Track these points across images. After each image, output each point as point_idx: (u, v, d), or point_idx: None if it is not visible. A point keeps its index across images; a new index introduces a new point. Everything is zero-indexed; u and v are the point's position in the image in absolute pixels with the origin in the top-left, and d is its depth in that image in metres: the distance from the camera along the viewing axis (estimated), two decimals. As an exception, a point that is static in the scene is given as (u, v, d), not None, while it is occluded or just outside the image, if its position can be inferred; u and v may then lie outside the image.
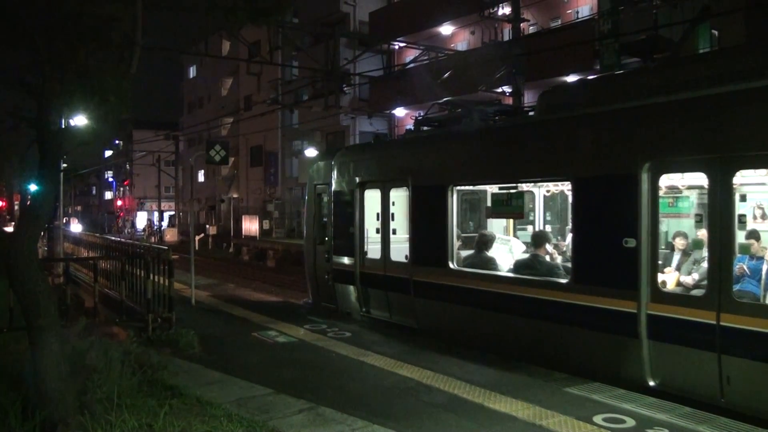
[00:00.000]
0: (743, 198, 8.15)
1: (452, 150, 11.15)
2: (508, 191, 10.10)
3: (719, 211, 7.15)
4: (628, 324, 7.74)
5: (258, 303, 14.73)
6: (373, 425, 6.41)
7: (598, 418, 6.58)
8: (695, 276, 8.35)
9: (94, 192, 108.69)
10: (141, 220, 76.55)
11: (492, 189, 10.97)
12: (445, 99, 14.43)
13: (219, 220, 57.95)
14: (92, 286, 13.01)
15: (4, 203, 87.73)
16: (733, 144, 7.02)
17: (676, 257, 8.92)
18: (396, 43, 29.92)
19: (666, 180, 8.19)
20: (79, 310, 15.40)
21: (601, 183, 8.37)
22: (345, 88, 22.22)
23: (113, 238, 23.17)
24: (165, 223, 65.22)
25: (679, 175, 8.36)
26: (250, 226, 47.40)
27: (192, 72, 70.00)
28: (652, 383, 7.64)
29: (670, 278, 8.56)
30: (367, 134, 34.89)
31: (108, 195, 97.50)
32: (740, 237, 7.68)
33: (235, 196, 56.96)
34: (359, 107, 34.22)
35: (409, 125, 16.28)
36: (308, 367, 8.97)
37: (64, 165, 24.38)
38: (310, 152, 30.32)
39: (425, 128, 12.83)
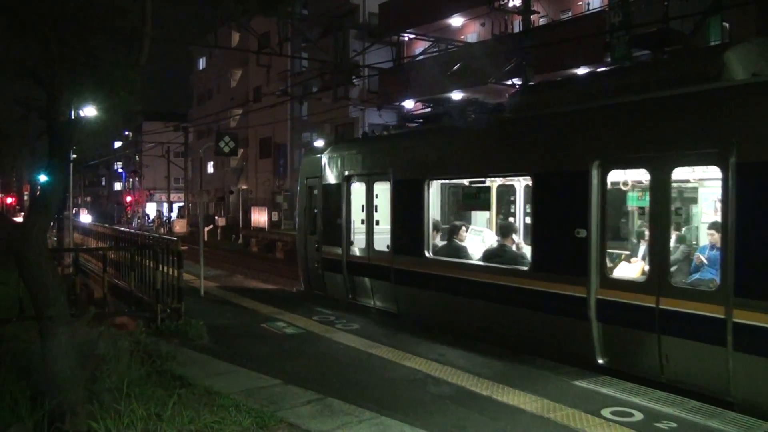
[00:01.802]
0: (680, 192, 9.09)
1: (428, 146, 11.87)
2: (477, 186, 10.95)
3: (657, 204, 7.86)
4: (576, 307, 8.45)
5: (266, 294, 14.76)
6: (380, 417, 6.42)
7: (606, 412, 6.57)
8: (645, 264, 8.65)
9: (103, 183, 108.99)
10: (150, 211, 76.75)
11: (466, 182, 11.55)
12: (427, 97, 14.92)
13: (228, 211, 58.05)
14: (101, 276, 13.06)
15: (13, 199, 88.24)
16: (671, 143, 7.69)
17: (642, 247, 9.14)
18: (406, 34, 29.85)
19: (614, 176, 8.74)
20: (88, 301, 15.47)
21: (556, 178, 9.13)
22: (354, 80, 22.15)
23: (122, 228, 23.26)
24: (174, 215, 65.40)
25: (623, 171, 8.93)
26: (259, 217, 47.49)
27: (201, 63, 70.08)
28: (600, 361, 8.31)
29: (636, 267, 8.95)
30: (377, 126, 34.83)
31: (117, 186, 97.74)
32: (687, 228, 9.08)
33: (244, 187, 57.04)
34: (368, 99, 34.16)
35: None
36: (316, 358, 8.99)
37: (74, 156, 24.46)
38: (320, 144, 30.32)
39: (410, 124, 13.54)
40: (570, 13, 27.39)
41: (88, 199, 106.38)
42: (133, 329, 9.92)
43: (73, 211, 30.83)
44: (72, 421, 5.78)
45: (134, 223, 65.64)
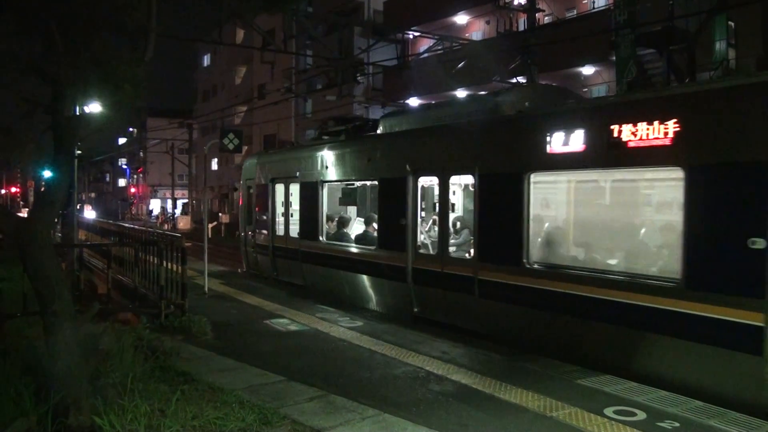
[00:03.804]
0: (454, 192, 12.76)
1: (321, 157, 14.91)
2: (350, 187, 14.64)
3: (442, 202, 11.36)
4: (401, 274, 11.79)
5: (269, 291, 14.77)
6: (383, 414, 6.43)
7: (609, 411, 6.57)
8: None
9: (107, 179, 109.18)
10: (154, 207, 76.83)
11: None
12: (329, 117, 18.66)
13: (232, 208, 58.08)
14: (105, 272, 13.09)
15: (18, 189, 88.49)
16: (449, 159, 11.09)
17: (436, 229, 12.04)
18: (410, 32, 29.79)
19: (422, 181, 11.94)
20: (92, 296, 15.51)
21: (390, 182, 12.40)
22: (358, 78, 22.14)
23: (127, 224, 23.28)
24: (178, 211, 65.47)
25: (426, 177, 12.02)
26: (263, 214, 47.37)
27: (206, 60, 70.11)
28: (416, 310, 11.61)
29: (431, 244, 12.29)
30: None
31: (122, 182, 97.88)
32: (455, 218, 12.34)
33: (248, 184, 56.90)
34: (373, 96, 34.15)
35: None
36: (319, 355, 9.01)
37: (79, 152, 24.48)
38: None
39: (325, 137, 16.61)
40: (575, 12, 27.35)
41: (93, 195, 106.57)
42: (137, 325, 9.96)
43: (78, 207, 30.81)
44: (76, 416, 5.81)
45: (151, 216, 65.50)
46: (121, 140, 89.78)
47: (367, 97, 33.98)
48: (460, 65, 23.52)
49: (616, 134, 8.07)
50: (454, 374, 7.90)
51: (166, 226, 54.76)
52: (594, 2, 27.14)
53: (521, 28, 25.99)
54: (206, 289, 14.22)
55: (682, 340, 7.38)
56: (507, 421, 6.37)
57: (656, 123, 7.58)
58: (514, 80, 22.75)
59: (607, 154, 8.29)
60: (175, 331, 10.15)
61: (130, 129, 79.22)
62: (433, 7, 31.11)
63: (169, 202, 68.98)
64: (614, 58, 18.93)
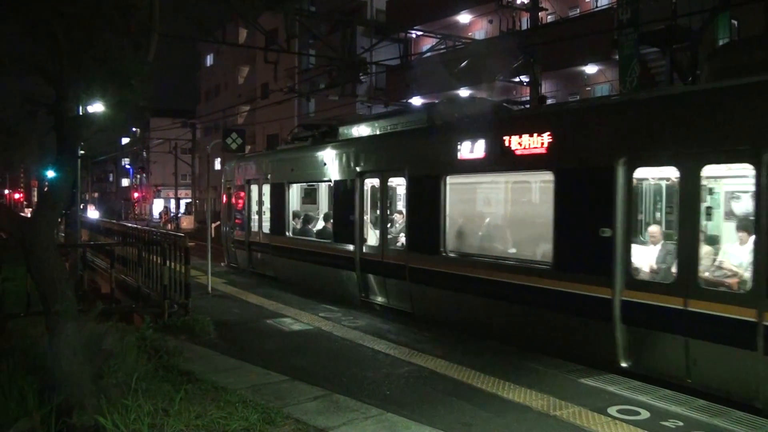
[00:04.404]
0: (394, 190, 13.75)
1: (288, 161, 17.10)
2: (311, 187, 17.35)
3: (382, 200, 13.08)
4: (351, 264, 13.49)
5: (273, 291, 14.77)
6: (387, 413, 6.43)
7: (612, 410, 6.57)
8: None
9: (110, 179, 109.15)
10: (157, 207, 76.86)
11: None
12: (300, 123, 21.02)
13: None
14: (109, 272, 13.09)
15: (21, 195, 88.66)
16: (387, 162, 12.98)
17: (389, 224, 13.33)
18: (413, 32, 29.74)
19: (367, 182, 13.65)
20: (95, 296, 15.52)
21: (343, 183, 14.19)
22: (361, 77, 22.13)
23: (130, 224, 23.29)
24: (182, 211, 65.45)
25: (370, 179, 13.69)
26: (266, 214, 47.35)
27: (209, 60, 70.06)
28: (363, 296, 13.22)
29: (375, 235, 13.52)
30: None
31: (125, 182, 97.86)
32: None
33: (251, 184, 56.88)
34: (376, 96, 34.11)
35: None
36: (322, 354, 9.01)
37: (82, 152, 24.47)
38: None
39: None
40: (578, 10, 27.29)
41: (96, 195, 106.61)
42: (141, 325, 9.95)
43: (81, 207, 30.80)
44: (79, 416, 5.81)
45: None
46: (124, 140, 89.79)
47: (369, 97, 33.94)
48: (462, 64, 23.48)
49: (507, 144, 9.83)
50: (458, 373, 7.90)
51: (169, 226, 54.73)
52: (597, 1, 27.09)
53: (524, 27, 25.94)
54: (209, 288, 14.24)
55: (554, 312, 8.98)
56: (510, 419, 6.37)
57: (535, 135, 9.37)
58: (516, 79, 22.74)
59: (501, 160, 10.04)
60: (179, 330, 10.16)
61: (133, 129, 79.21)
62: (435, 7, 31.05)
63: (173, 202, 68.98)
64: (617, 57, 18.88)
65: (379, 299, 12.89)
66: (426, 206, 11.47)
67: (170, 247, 11.71)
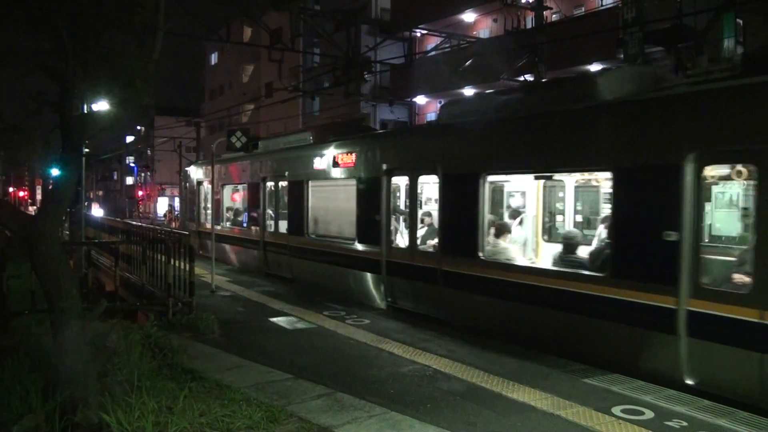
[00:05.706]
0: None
1: (220, 167, 20.45)
2: (238, 187, 20.46)
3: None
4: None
5: (276, 289, 14.78)
6: (390, 412, 6.43)
7: (616, 410, 6.55)
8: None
9: (115, 177, 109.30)
10: (162, 206, 76.91)
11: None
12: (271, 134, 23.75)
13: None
14: (113, 270, 13.11)
15: (25, 192, 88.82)
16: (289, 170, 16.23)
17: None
18: (418, 30, 29.75)
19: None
20: (100, 294, 15.54)
21: (253, 185, 18.15)
22: (366, 76, 22.13)
23: (134, 222, 23.38)
24: (185, 209, 65.40)
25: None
26: (270, 212, 47.37)
27: (214, 59, 70.07)
28: (266, 270, 15.89)
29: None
30: (388, 122, 34.82)
31: (129, 180, 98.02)
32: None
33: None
34: (380, 95, 34.12)
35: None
36: (326, 353, 9.01)
37: (86, 150, 24.51)
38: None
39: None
40: (583, 9, 27.24)
41: (100, 193, 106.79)
42: (145, 323, 9.97)
43: (85, 205, 30.85)
44: (83, 413, 5.81)
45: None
46: (129, 138, 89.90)
47: (374, 95, 33.94)
48: (467, 63, 23.47)
49: (338, 159, 13.77)
50: (462, 372, 7.90)
51: (173, 224, 54.82)
52: (602, 0, 27.02)
53: (529, 26, 25.90)
54: (213, 286, 14.25)
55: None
56: (514, 419, 6.36)
57: (348, 153, 13.55)
58: (521, 78, 22.70)
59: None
60: (183, 328, 10.16)
61: (138, 127, 79.32)
62: (440, 5, 30.99)
63: (177, 201, 69.05)
64: (622, 56, 18.83)
65: (287, 274, 15.10)
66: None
67: (174, 245, 11.73)
